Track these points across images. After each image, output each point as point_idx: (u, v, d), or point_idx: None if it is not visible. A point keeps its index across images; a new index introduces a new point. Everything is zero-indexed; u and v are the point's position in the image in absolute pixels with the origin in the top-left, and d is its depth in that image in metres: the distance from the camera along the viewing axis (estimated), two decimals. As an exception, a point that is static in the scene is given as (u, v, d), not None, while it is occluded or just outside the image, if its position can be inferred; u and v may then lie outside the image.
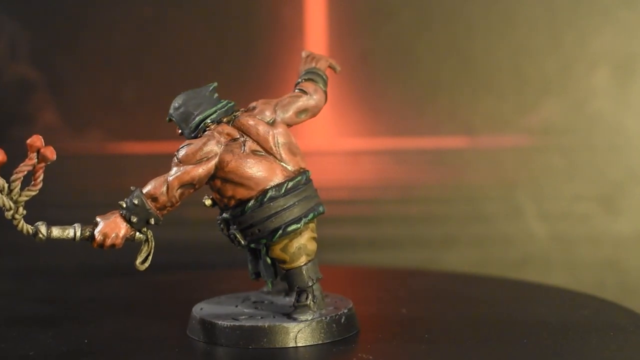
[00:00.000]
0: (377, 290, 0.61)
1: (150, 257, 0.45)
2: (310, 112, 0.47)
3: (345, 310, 0.45)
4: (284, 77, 0.82)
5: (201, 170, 0.43)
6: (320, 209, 0.45)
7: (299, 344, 0.43)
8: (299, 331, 0.43)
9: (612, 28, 0.80)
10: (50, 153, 0.40)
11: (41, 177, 0.41)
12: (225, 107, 0.45)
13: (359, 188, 0.84)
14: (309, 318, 0.44)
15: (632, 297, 0.78)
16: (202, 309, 0.48)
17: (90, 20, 0.83)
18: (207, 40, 0.83)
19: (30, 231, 0.42)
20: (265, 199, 0.44)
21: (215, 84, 0.47)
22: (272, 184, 0.44)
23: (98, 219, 0.43)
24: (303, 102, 0.46)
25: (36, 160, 0.40)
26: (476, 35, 0.82)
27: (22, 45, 0.83)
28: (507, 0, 0.81)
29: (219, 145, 0.44)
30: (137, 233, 0.44)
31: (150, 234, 0.44)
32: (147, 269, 0.45)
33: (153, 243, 0.45)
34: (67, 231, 0.43)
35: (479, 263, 0.81)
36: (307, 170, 0.46)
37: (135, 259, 0.44)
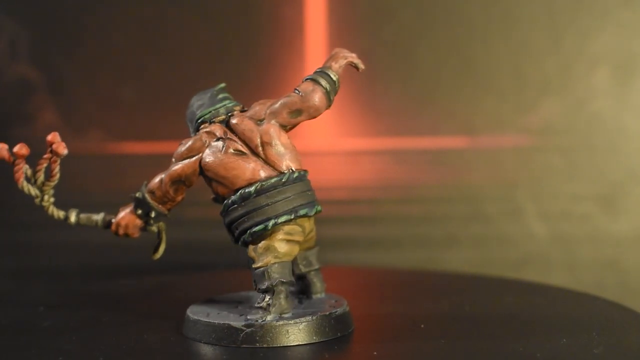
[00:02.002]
0: (376, 290, 0.61)
1: (160, 248, 0.49)
2: (306, 113, 0.45)
3: (311, 318, 0.43)
4: (284, 77, 0.82)
5: (186, 167, 0.45)
6: (302, 211, 0.44)
7: (244, 345, 0.42)
8: (244, 332, 0.43)
9: (612, 28, 0.80)
10: (61, 149, 0.45)
11: (56, 170, 0.46)
12: (222, 107, 0.46)
13: (359, 188, 0.83)
14: (258, 320, 0.43)
15: (632, 297, 0.78)
16: (203, 302, 0.48)
17: (90, 20, 0.83)
18: (207, 40, 0.83)
19: (62, 216, 0.48)
20: (238, 199, 0.44)
21: (223, 84, 0.48)
22: (246, 183, 0.44)
23: (120, 209, 0.48)
24: (295, 102, 0.45)
25: (51, 155, 0.45)
26: (476, 35, 0.82)
27: (22, 45, 0.83)
28: (507, 0, 0.81)
29: (204, 144, 0.45)
30: (148, 225, 0.48)
31: (162, 226, 0.48)
32: (157, 261, 0.49)
33: (164, 235, 0.49)
34: (93, 218, 0.49)
35: (479, 263, 0.81)
36: (296, 171, 0.45)
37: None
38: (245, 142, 0.45)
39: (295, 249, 0.45)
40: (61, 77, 0.83)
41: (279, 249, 0.44)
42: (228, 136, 0.45)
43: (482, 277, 0.66)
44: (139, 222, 0.48)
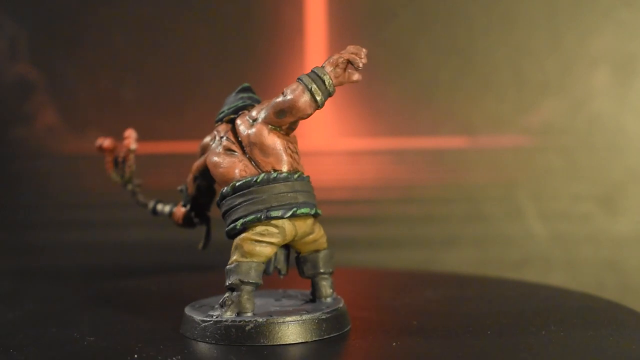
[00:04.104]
0: (375, 290, 0.61)
1: (204, 239, 0.51)
2: (290, 114, 0.44)
3: (262, 319, 0.43)
4: (284, 77, 0.82)
5: (199, 165, 0.47)
6: (275, 213, 0.43)
7: (198, 339, 0.43)
8: (199, 326, 0.43)
9: (612, 28, 0.80)
10: (130, 143, 0.51)
11: (131, 161, 0.51)
12: (234, 107, 0.47)
13: (359, 188, 0.84)
14: (214, 317, 0.43)
15: (632, 297, 0.78)
16: (207, 299, 0.49)
17: (90, 20, 0.83)
18: (207, 40, 0.83)
19: (142, 202, 0.52)
20: (219, 197, 0.45)
21: (244, 85, 0.49)
22: (227, 181, 0.45)
23: None
24: (279, 103, 0.44)
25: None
26: (476, 35, 0.82)
27: (22, 45, 0.83)
28: (507, 0, 0.81)
29: (210, 143, 0.47)
30: (190, 217, 0.50)
31: (207, 219, 0.50)
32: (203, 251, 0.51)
33: (207, 227, 0.51)
34: (166, 207, 0.52)
35: (479, 263, 0.81)
36: (275, 172, 0.44)
37: None
38: (241, 141, 0.45)
39: (268, 250, 0.44)
40: (61, 77, 0.83)
41: (247, 248, 0.43)
42: (226, 135, 0.46)
43: (482, 277, 0.66)
44: (185, 212, 0.50)
